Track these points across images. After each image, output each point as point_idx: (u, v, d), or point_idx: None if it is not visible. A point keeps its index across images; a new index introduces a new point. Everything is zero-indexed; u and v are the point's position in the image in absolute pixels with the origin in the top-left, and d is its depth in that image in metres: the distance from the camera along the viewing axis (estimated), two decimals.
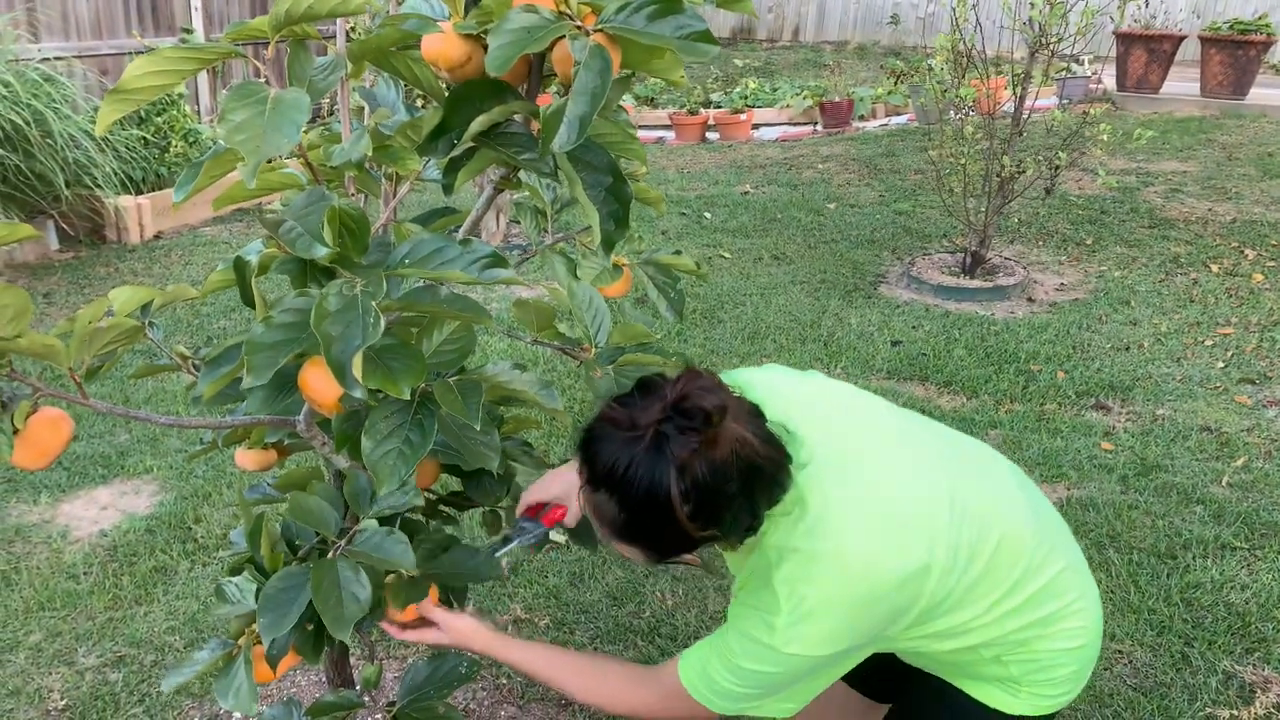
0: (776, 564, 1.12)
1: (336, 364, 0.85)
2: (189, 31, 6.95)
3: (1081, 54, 7.86)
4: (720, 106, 8.77)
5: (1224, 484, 3.17)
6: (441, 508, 1.49)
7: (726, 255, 5.46)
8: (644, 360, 1.24)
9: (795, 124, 8.91)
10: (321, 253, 0.90)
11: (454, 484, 1.48)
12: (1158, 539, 2.85)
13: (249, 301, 1.02)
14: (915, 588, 1.12)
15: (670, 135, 8.58)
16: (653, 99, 9.04)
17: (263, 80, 0.96)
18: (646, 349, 1.25)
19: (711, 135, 8.58)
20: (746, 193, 6.75)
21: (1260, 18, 8.83)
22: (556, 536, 1.50)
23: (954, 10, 4.74)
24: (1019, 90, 4.84)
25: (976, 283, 4.93)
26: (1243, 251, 5.38)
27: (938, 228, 5.91)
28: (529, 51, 0.95)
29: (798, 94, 9.13)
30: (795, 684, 1.18)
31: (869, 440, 1.20)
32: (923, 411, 3.13)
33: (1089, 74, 8.68)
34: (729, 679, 1.18)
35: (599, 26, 0.99)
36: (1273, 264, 5.19)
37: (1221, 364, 4.08)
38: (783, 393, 1.21)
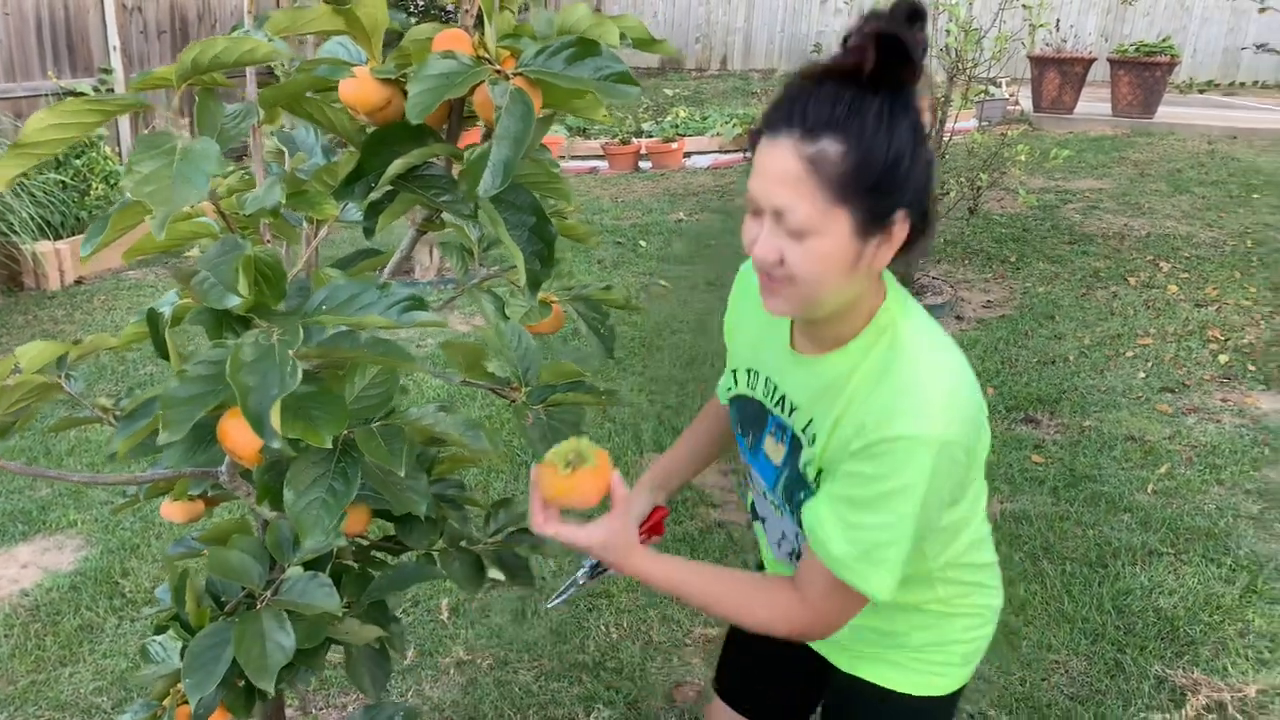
0: (900, 347, 1.10)
1: (254, 415, 0.83)
2: (107, 72, 6.81)
3: (999, 77, 8.12)
4: (652, 136, 8.86)
5: (1149, 491, 3.26)
6: (374, 553, 1.46)
7: (664, 284, 5.50)
8: (575, 399, 1.24)
9: (726, 151, 9.03)
10: (235, 302, 0.88)
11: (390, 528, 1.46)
12: (1089, 548, 2.92)
13: (164, 354, 1.00)
14: (982, 422, 1.12)
15: (604, 165, 8.63)
16: (585, 129, 9.09)
17: (184, 123, 0.94)
18: (578, 387, 1.25)
19: (644, 164, 8.66)
20: (681, 220, 6.81)
21: (1164, 40, 9.23)
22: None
23: None
24: (939, 114, 4.98)
25: None
26: (1158, 264, 5.58)
27: None
28: (449, 98, 0.95)
29: (727, 122, 9.26)
30: (916, 508, 1.07)
31: None
32: None
33: (1006, 96, 8.98)
34: (872, 520, 1.07)
35: (519, 70, 1.00)
36: (1186, 276, 5.39)
37: (1143, 374, 4.21)
38: None
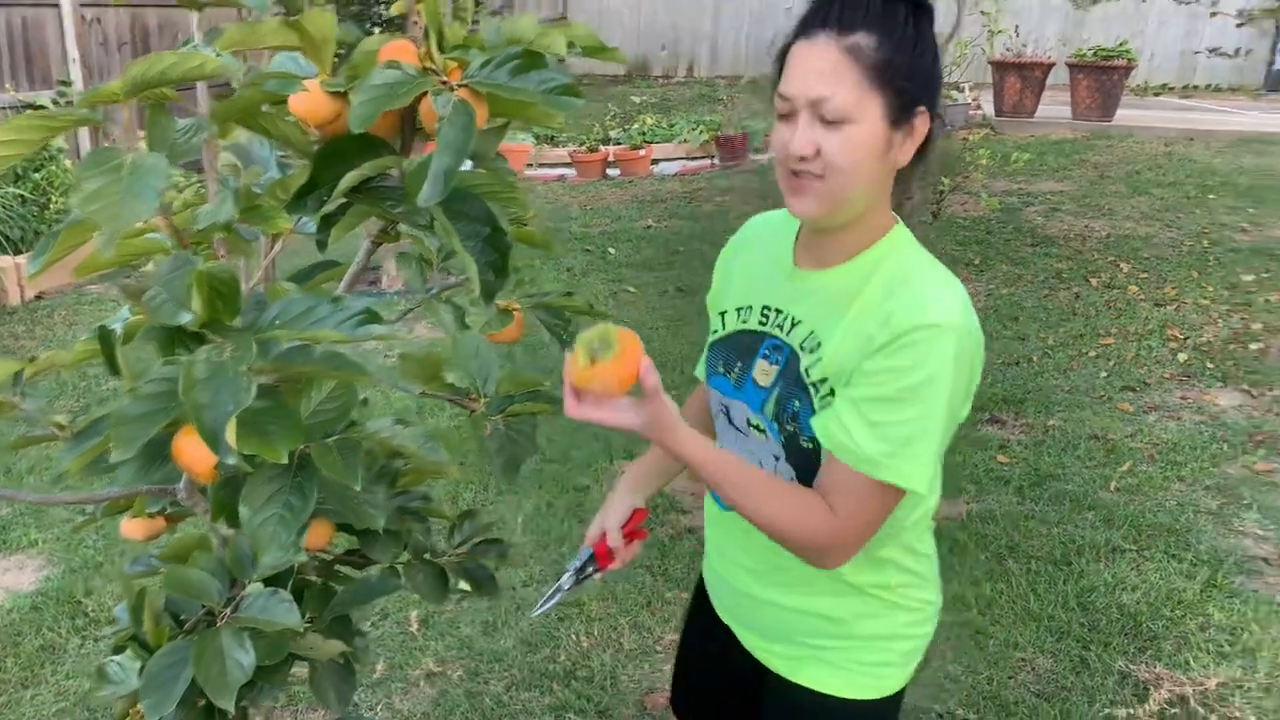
0: (911, 261, 1.18)
1: (208, 432, 0.83)
2: (66, 85, 6.73)
3: (961, 82, 8.22)
4: (619, 143, 8.87)
5: (1112, 489, 3.31)
6: (338, 568, 1.46)
7: (632, 290, 5.51)
8: (534, 409, 1.24)
9: (693, 158, 9.06)
10: (187, 319, 0.88)
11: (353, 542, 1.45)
12: (1054, 547, 2.95)
13: (116, 372, 0.99)
14: (981, 341, 1.17)
15: (572, 173, 8.64)
16: (553, 137, 9.09)
17: (141, 137, 0.94)
18: (537, 396, 1.26)
19: (612, 171, 8.67)
20: (649, 227, 6.83)
21: (1121, 44, 9.39)
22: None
23: None
24: None
25: None
26: (1118, 265, 5.67)
27: None
28: (392, 108, 0.96)
29: (694, 129, 9.30)
30: (943, 400, 1.10)
31: None
32: None
33: (969, 101, 9.09)
34: (900, 416, 1.09)
35: (463, 82, 1.00)
36: (1145, 276, 5.49)
37: (1105, 374, 4.28)
38: None
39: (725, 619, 1.43)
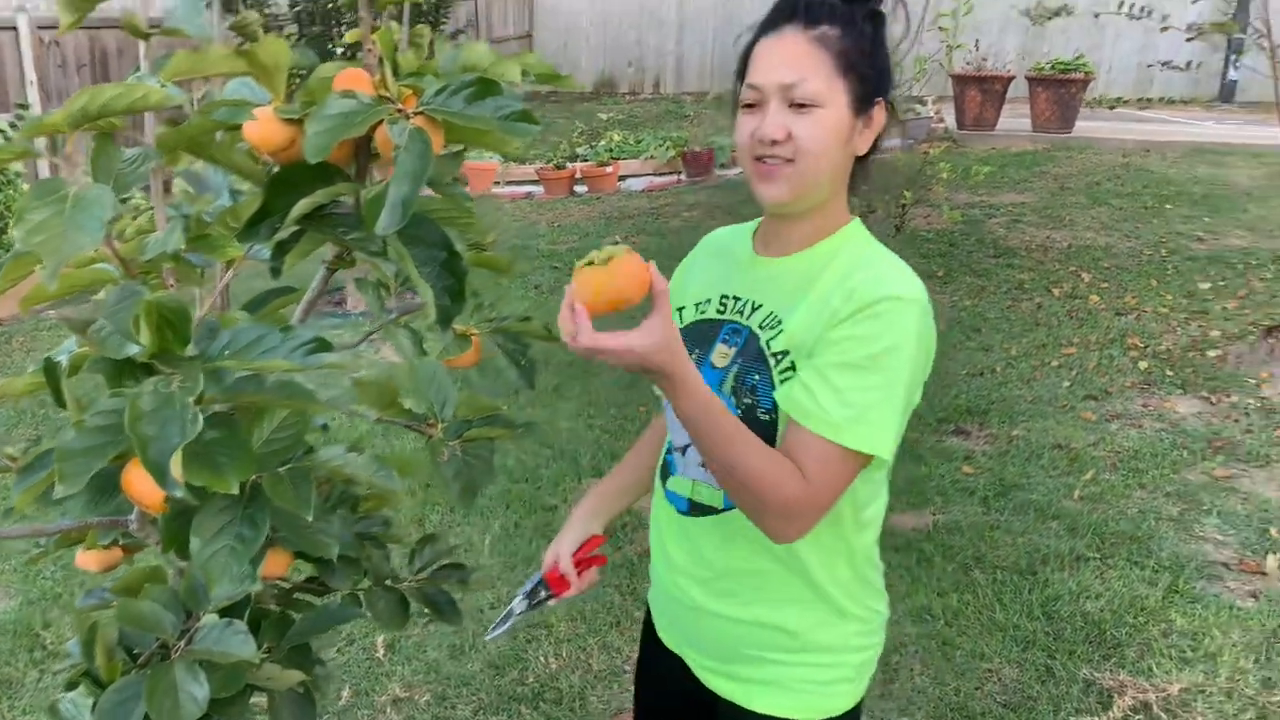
0: (870, 249, 1.24)
1: (154, 465, 0.82)
2: (24, 107, 6.64)
3: (924, 95, 8.33)
4: (586, 160, 8.90)
5: (1076, 498, 3.35)
6: (297, 595, 1.44)
7: None
8: (492, 434, 1.24)
9: (660, 174, 9.10)
10: (134, 351, 0.87)
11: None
12: (1019, 556, 2.98)
13: (63, 404, 0.98)
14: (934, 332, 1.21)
15: (539, 190, 8.65)
16: (520, 155, 9.10)
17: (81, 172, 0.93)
18: (494, 421, 1.25)
19: (580, 188, 8.69)
20: (617, 243, 6.84)
21: (1078, 57, 9.56)
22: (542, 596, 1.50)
23: None
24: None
25: None
26: (1080, 275, 5.75)
27: None
28: (347, 138, 0.96)
29: (661, 145, 9.35)
30: (905, 370, 1.14)
31: None
32: None
33: (932, 114, 9.21)
34: (864, 382, 1.11)
35: (419, 109, 1.01)
36: (1106, 285, 5.57)
37: (1067, 383, 4.33)
38: None
39: (674, 645, 1.41)
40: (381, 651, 2.59)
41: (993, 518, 3.22)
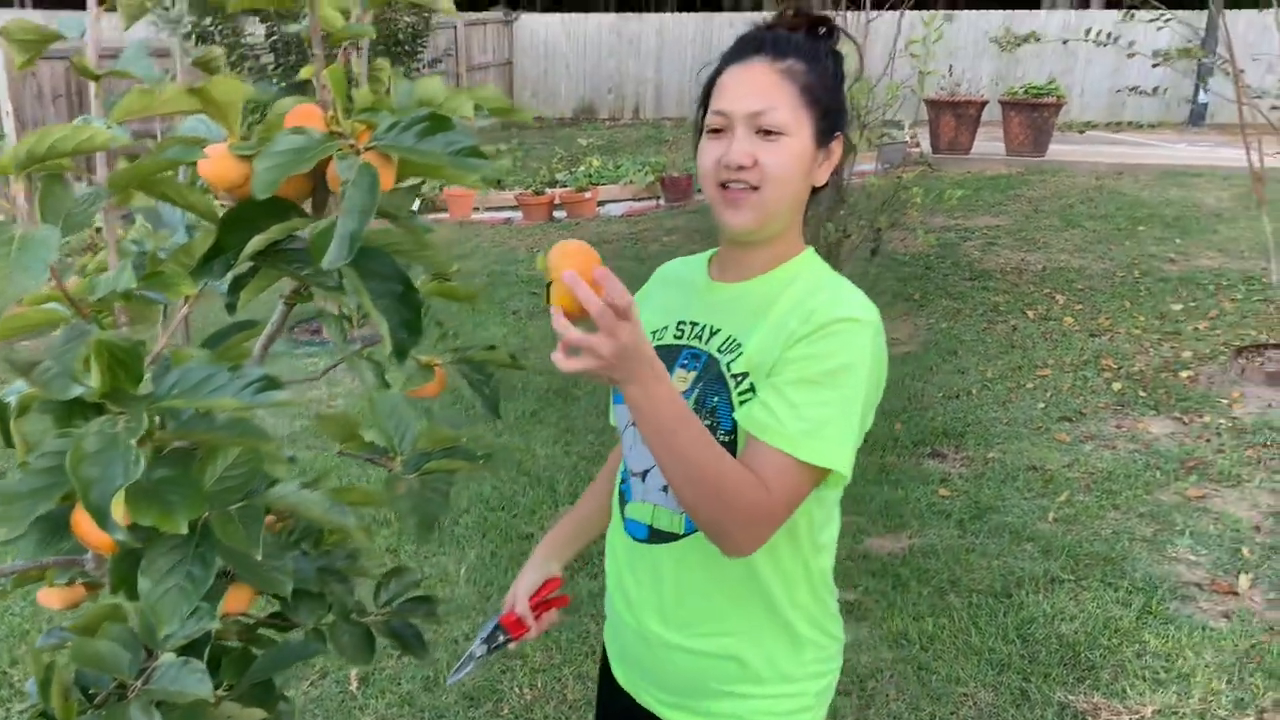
0: (826, 274, 1.28)
1: (95, 508, 0.82)
2: None
3: (899, 120, 8.42)
4: (565, 185, 8.93)
5: (1050, 520, 3.36)
6: (261, 631, 1.43)
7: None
8: (451, 466, 1.24)
9: (639, 199, 9.15)
10: (78, 392, 0.87)
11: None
12: (994, 579, 2.99)
13: (10, 444, 0.97)
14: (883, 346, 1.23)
15: (518, 216, 8.67)
16: (499, 181, 9.13)
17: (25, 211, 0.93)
18: (454, 453, 1.25)
19: (559, 214, 8.71)
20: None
21: (1050, 82, 9.69)
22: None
23: None
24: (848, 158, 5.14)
25: None
26: (1054, 297, 5.81)
27: None
28: (296, 173, 0.96)
29: (640, 170, 9.40)
30: (861, 389, 1.16)
31: None
32: None
33: (907, 139, 9.30)
34: (821, 398, 1.13)
35: (371, 145, 1.01)
36: (1080, 307, 5.62)
37: (1042, 405, 4.36)
38: None
39: (628, 684, 1.40)
40: (355, 685, 2.57)
41: (968, 541, 3.23)
